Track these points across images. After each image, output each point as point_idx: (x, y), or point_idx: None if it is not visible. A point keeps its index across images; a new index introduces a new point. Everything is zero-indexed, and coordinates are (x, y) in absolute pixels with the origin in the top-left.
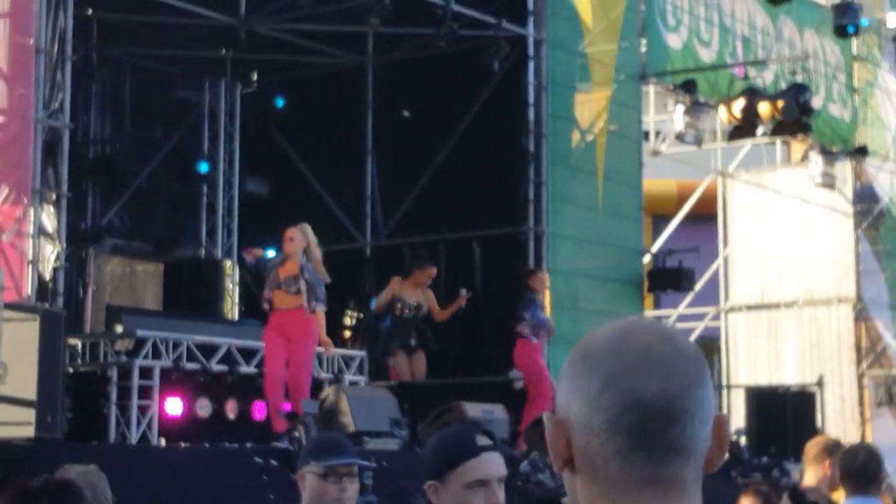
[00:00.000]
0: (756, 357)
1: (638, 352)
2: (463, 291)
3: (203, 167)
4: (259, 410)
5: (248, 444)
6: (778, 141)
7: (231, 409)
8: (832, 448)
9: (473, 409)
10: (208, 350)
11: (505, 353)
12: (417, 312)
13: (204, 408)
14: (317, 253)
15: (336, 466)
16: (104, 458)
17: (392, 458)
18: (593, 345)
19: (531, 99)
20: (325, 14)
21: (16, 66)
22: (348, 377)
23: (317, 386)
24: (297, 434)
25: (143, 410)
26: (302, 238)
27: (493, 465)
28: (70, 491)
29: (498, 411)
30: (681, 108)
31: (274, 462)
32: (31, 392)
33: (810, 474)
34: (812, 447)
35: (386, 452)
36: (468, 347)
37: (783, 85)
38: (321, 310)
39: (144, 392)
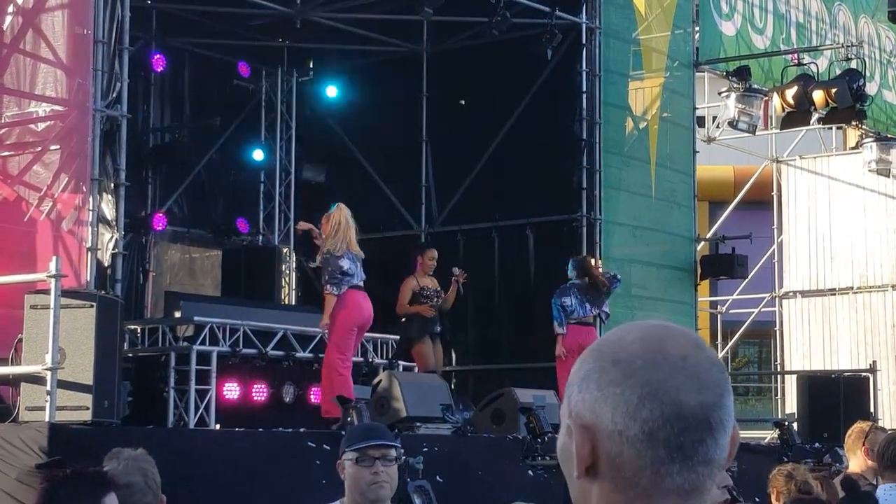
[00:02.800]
0: (810, 343)
1: (676, 360)
2: (455, 270)
3: (260, 155)
4: (316, 395)
5: (302, 429)
6: (833, 127)
7: (287, 394)
8: (866, 433)
9: (525, 395)
10: (265, 335)
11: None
12: (438, 299)
13: (260, 393)
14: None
15: (367, 449)
16: (159, 441)
17: (444, 444)
18: (626, 351)
19: (584, 87)
20: (380, 3)
21: (74, 57)
22: (401, 363)
23: (371, 371)
24: (350, 419)
25: (200, 395)
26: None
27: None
28: (99, 480)
29: (549, 396)
30: (734, 95)
31: (327, 447)
32: (88, 377)
33: (852, 462)
34: (848, 436)
35: (438, 438)
36: (521, 333)
37: (837, 71)
38: (327, 292)
39: (202, 377)
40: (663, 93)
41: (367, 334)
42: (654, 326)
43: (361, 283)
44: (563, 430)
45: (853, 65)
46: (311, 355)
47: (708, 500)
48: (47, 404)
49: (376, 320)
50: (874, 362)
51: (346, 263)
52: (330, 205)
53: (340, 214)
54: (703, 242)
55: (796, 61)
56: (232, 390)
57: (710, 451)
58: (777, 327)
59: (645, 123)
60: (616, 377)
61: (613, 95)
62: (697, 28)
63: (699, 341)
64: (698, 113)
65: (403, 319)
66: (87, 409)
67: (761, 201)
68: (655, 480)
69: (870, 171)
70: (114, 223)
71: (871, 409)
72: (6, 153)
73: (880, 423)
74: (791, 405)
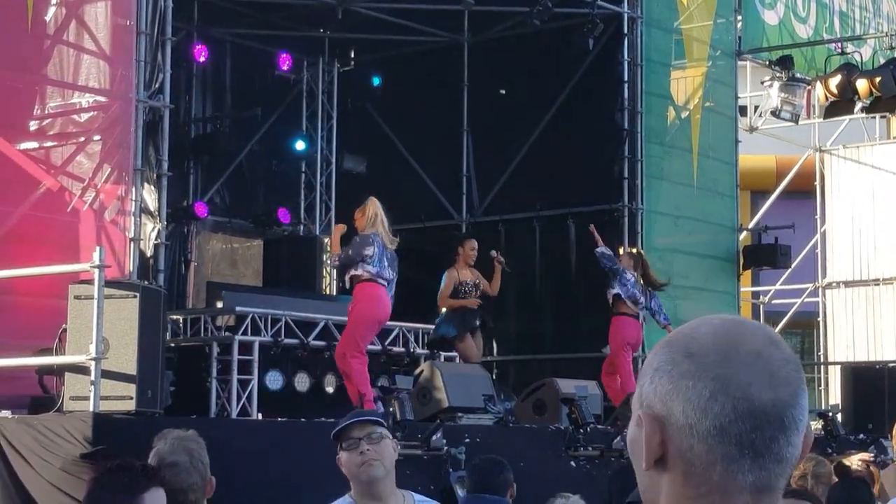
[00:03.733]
0: (854, 333)
1: (749, 356)
2: (493, 252)
3: (301, 145)
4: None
5: None
6: (877, 116)
7: (329, 384)
8: None
9: (567, 386)
10: (306, 326)
11: (599, 330)
12: (476, 291)
13: (302, 382)
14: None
15: (348, 431)
16: (202, 431)
17: (486, 434)
18: (699, 344)
19: (626, 76)
20: None
21: (117, 48)
22: (443, 354)
23: (412, 362)
24: (392, 409)
25: (243, 385)
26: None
27: None
28: (144, 475)
29: (591, 387)
30: (776, 84)
31: None
32: (131, 367)
33: None
34: None
35: (480, 428)
36: (562, 324)
37: (881, 60)
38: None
39: (244, 367)
40: (706, 82)
41: (408, 325)
42: (728, 320)
43: (385, 281)
44: (634, 421)
45: None
46: None
47: (780, 500)
48: (91, 394)
49: (417, 310)
50: None
51: (370, 250)
52: (365, 198)
53: (375, 208)
54: (745, 232)
55: (839, 50)
56: (274, 380)
57: (782, 449)
58: (820, 317)
59: (687, 113)
60: (688, 370)
61: (655, 85)
62: (740, 17)
63: (774, 338)
64: (740, 102)
65: (443, 312)
66: (131, 398)
67: (803, 191)
68: (726, 477)
69: None
70: (156, 213)
71: None
72: (50, 144)
73: None
74: (834, 396)
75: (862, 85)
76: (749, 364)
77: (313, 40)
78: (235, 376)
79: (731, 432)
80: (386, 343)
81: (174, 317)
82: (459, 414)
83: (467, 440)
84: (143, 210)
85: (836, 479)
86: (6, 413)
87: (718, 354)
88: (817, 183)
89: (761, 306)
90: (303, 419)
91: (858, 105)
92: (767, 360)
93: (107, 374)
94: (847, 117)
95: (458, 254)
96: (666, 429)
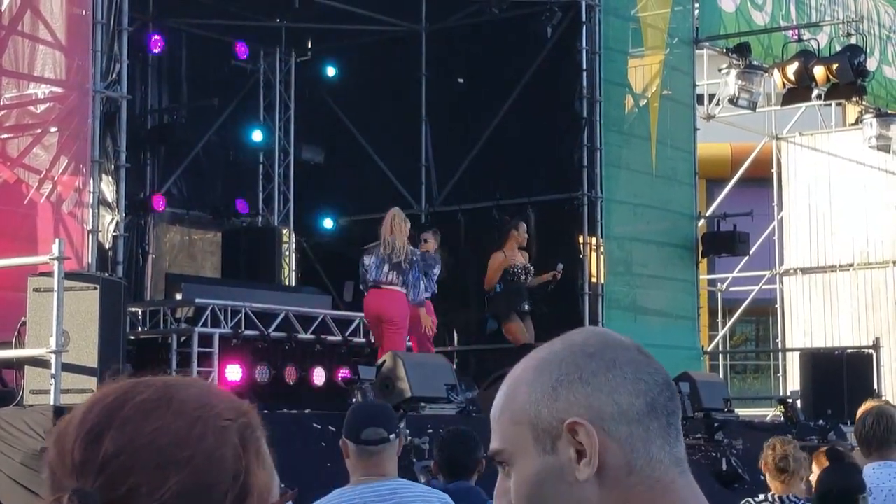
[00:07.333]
0: (811, 320)
1: (629, 343)
2: (560, 266)
3: (259, 135)
4: (317, 376)
5: (307, 410)
6: (833, 103)
7: (289, 376)
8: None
9: None
10: (266, 317)
11: (559, 318)
12: (527, 275)
13: (263, 374)
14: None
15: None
16: None
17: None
18: (590, 346)
19: (584, 64)
20: None
21: (73, 38)
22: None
23: (374, 352)
24: (354, 399)
25: (203, 377)
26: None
27: None
28: None
29: None
30: (734, 71)
31: (332, 428)
32: (92, 360)
33: None
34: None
35: (443, 418)
36: None
37: (837, 47)
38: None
39: (204, 359)
40: (663, 70)
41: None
42: (581, 329)
43: (388, 284)
44: (537, 452)
45: (853, 40)
46: (312, 336)
47: None
48: (52, 387)
49: None
50: (877, 339)
51: (367, 259)
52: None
53: (387, 220)
54: (702, 220)
55: (796, 38)
56: (234, 372)
57: (679, 418)
58: (778, 304)
59: (645, 101)
60: (599, 367)
61: (614, 73)
62: (697, 5)
63: None
64: (697, 91)
65: (488, 298)
66: (92, 391)
67: (759, 178)
68: (662, 452)
69: (870, 147)
70: (114, 205)
71: (875, 386)
72: (5, 135)
73: (884, 399)
74: (793, 382)
75: (819, 72)
76: (634, 348)
77: (270, 30)
78: (195, 368)
79: (658, 404)
80: (346, 334)
81: (132, 309)
82: (422, 404)
83: (430, 430)
84: (101, 202)
85: (827, 464)
86: None
87: (612, 347)
88: (774, 170)
89: (719, 294)
90: (265, 411)
91: (815, 92)
92: (638, 346)
93: (67, 367)
94: (803, 105)
95: (511, 236)
96: (603, 431)
